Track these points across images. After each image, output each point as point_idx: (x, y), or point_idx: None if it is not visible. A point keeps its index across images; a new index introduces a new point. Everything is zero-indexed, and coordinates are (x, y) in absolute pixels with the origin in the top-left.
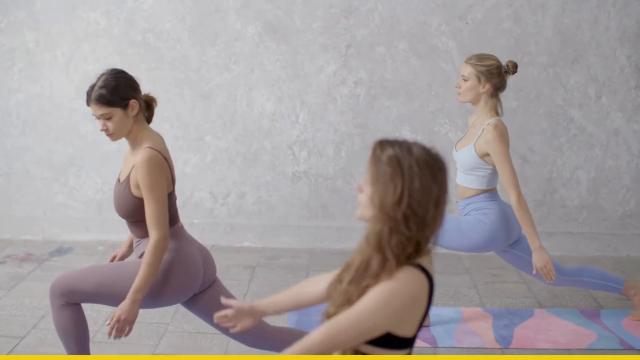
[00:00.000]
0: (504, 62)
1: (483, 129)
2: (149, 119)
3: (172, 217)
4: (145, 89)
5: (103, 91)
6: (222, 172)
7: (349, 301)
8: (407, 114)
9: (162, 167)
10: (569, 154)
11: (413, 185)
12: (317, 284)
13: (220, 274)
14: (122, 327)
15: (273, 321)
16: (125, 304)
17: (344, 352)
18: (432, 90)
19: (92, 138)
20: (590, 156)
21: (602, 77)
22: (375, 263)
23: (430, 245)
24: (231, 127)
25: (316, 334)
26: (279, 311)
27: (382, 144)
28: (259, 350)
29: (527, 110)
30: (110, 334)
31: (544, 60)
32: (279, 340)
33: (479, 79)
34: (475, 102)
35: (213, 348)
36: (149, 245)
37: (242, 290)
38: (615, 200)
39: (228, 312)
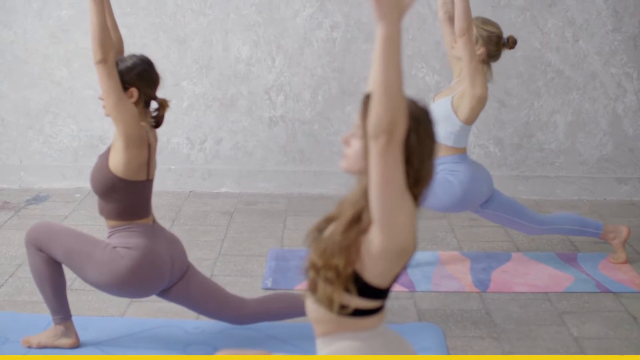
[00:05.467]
0: (506, 35)
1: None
2: (158, 122)
3: (143, 209)
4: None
5: (120, 66)
6: (199, 117)
7: (347, 249)
8: None
9: (141, 138)
10: (546, 98)
11: (410, 139)
12: None
13: (198, 220)
14: None
15: (246, 290)
16: None
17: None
18: (409, 34)
19: (67, 85)
20: (568, 100)
21: (579, 20)
22: (367, 216)
23: (420, 202)
24: (207, 72)
25: None
26: None
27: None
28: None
29: (505, 54)
30: None
31: (520, 3)
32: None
33: (476, 41)
34: None
35: None
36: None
37: (219, 236)
38: (592, 144)
39: None
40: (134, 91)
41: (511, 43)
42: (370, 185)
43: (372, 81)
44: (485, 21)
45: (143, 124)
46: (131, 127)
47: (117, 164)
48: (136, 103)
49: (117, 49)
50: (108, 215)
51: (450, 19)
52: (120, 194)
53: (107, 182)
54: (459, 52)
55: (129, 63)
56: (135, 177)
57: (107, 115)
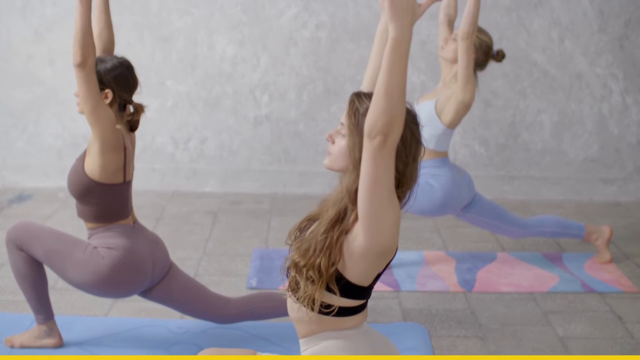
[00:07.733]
0: (496, 47)
1: (452, 93)
2: (133, 126)
3: (122, 211)
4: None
5: (99, 66)
6: (184, 116)
7: (329, 248)
8: (369, 57)
9: (118, 142)
10: (532, 98)
11: None
12: None
13: (182, 220)
14: None
15: (231, 290)
16: None
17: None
18: None
19: (51, 84)
20: (553, 100)
21: (565, 21)
22: (352, 215)
23: (402, 204)
24: (192, 72)
25: None
26: None
27: (360, 97)
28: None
29: None
30: None
31: (506, 3)
32: (252, 310)
33: None
34: (454, 61)
35: None
36: None
37: (204, 236)
38: (577, 144)
39: None
40: (108, 93)
41: (499, 57)
42: (360, 185)
43: (377, 81)
44: (480, 29)
45: (119, 127)
46: (108, 133)
47: (92, 167)
48: (110, 105)
49: (107, 48)
50: (86, 217)
51: (450, 23)
52: (97, 197)
53: (83, 186)
54: (448, 54)
55: (108, 65)
56: (111, 181)
57: (81, 112)
